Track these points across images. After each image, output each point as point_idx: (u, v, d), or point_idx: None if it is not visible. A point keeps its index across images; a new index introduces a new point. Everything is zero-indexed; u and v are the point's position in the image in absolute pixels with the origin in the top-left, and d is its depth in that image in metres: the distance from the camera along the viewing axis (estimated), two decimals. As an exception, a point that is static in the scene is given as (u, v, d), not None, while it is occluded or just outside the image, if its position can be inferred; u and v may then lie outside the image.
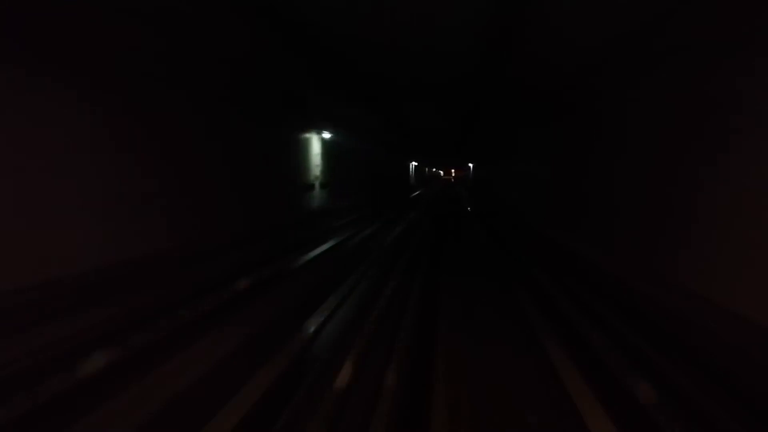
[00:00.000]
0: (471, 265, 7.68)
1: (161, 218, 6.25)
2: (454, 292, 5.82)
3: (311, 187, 13.06)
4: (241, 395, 3.05)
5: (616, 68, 6.45)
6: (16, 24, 4.18)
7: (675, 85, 5.31)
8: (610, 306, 5.33)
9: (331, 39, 6.28)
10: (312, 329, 4.36)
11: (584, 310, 5.23)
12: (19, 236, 4.28)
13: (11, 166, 4.22)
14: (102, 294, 4.94)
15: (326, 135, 14.04)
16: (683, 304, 4.71)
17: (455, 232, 12.15)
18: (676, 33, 4.84)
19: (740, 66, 4.14)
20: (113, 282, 5.19)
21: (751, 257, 3.84)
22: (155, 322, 4.36)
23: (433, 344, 4.06)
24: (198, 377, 3.34)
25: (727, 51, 4.32)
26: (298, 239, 9.56)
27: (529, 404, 3.07)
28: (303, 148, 12.32)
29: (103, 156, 5.27)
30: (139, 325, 4.29)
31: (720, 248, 4.30)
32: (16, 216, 4.27)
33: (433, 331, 4.39)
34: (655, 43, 5.24)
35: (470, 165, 43.17)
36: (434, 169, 78.51)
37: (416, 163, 45.20)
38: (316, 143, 13.40)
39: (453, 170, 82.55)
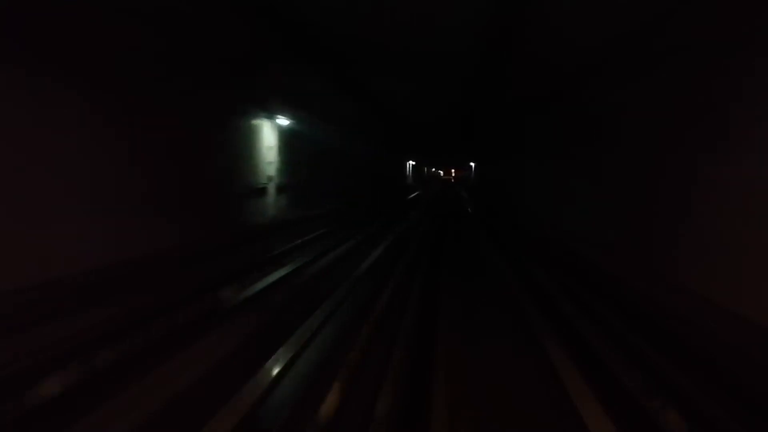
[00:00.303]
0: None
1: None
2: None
3: (260, 191, 9.75)
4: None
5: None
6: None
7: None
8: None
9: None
10: None
11: None
12: None
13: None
14: None
15: (284, 121, 10.47)
16: None
17: (462, 259, 8.08)
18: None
19: None
20: None
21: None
22: None
23: None
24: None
25: None
26: (198, 280, 5.84)
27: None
28: (247, 138, 9.03)
29: None
30: None
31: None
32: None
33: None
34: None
35: (472, 164, 43.01)
36: (434, 169, 78.21)
37: (414, 163, 44.68)
38: (269, 132, 10.02)
39: (453, 170, 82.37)
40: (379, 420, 2.79)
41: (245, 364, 3.54)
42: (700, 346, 3.94)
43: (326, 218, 13.58)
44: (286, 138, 11.11)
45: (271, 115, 9.95)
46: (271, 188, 10.39)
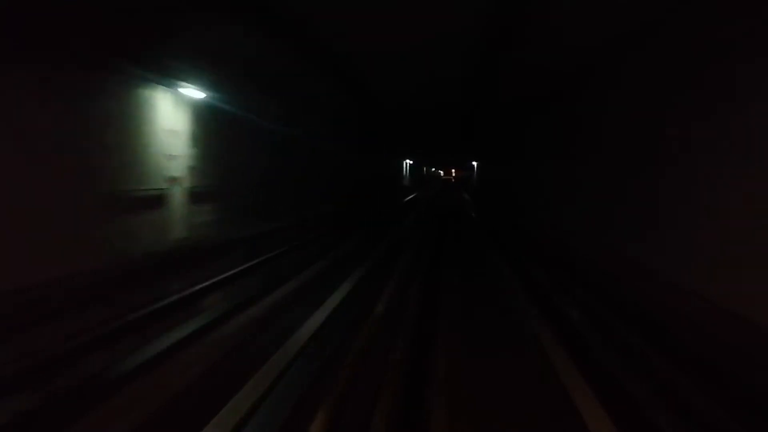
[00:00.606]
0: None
1: None
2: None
3: (152, 201, 6.39)
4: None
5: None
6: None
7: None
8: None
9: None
10: None
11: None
12: None
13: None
14: None
15: (199, 94, 6.97)
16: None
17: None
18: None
19: None
20: None
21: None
22: None
23: None
24: None
25: None
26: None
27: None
28: (117, 117, 5.68)
29: None
30: None
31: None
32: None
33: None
34: None
35: (474, 164, 39.28)
36: (433, 169, 75.98)
37: (411, 162, 42.31)
38: (170, 110, 6.60)
39: (453, 170, 79.46)
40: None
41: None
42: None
43: (282, 236, 9.97)
44: (209, 121, 7.60)
45: (172, 82, 6.37)
46: (177, 195, 6.95)
